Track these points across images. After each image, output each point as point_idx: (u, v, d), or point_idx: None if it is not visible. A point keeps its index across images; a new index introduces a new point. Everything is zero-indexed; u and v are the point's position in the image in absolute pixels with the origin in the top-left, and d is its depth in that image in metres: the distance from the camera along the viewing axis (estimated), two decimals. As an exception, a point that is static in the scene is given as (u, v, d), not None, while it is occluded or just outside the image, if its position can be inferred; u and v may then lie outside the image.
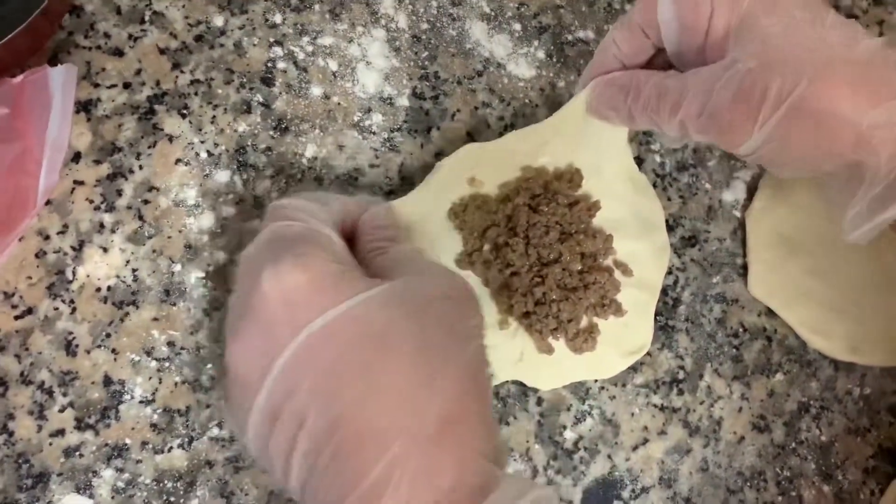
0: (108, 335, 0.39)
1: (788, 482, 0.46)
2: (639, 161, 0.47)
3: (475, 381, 0.31)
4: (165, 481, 0.39)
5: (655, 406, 0.45)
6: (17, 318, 0.38)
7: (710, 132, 0.36)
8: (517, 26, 0.47)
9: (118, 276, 0.40)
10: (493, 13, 0.47)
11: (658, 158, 0.48)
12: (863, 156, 0.33)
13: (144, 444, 0.39)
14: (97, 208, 0.40)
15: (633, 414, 0.45)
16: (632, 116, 0.39)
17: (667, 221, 0.46)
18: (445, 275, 0.34)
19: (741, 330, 0.47)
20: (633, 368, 0.45)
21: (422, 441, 0.28)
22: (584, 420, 0.44)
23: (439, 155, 0.44)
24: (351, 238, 0.36)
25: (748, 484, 0.45)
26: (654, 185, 0.46)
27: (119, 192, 0.40)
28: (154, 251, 0.40)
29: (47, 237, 0.39)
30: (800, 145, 0.35)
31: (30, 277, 0.39)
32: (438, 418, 0.29)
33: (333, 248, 0.33)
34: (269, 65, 0.43)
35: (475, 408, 0.30)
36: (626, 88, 0.39)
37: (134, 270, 0.40)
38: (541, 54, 0.47)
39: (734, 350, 0.47)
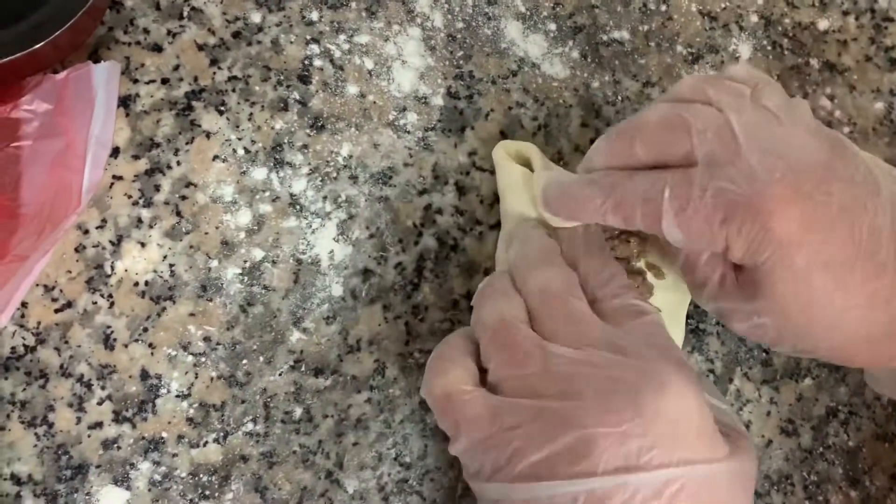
0: (146, 329, 0.40)
1: (815, 487, 0.46)
2: (672, 163, 0.47)
3: None
4: (201, 475, 0.39)
5: (684, 408, 0.45)
6: (56, 311, 0.39)
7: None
8: (552, 26, 0.47)
9: (155, 271, 0.40)
10: (528, 12, 0.47)
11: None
12: None
13: (180, 437, 0.39)
14: (135, 203, 0.40)
15: (661, 416, 0.45)
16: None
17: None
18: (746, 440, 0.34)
19: (771, 334, 0.47)
20: (663, 371, 0.45)
21: None
22: (614, 421, 0.44)
23: (472, 154, 0.45)
24: None
25: (775, 488, 0.46)
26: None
27: (157, 188, 0.41)
28: (191, 247, 0.41)
29: (86, 232, 0.40)
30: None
31: (69, 271, 0.39)
32: None
33: None
34: (306, 62, 0.43)
35: None
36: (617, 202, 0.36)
37: (171, 266, 0.40)
38: (575, 54, 0.47)
39: (764, 354, 0.47)
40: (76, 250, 0.39)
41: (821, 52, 0.51)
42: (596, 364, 0.31)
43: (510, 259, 0.39)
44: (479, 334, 0.35)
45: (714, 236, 0.33)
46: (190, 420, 0.39)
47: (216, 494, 0.39)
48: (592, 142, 0.46)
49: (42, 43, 0.35)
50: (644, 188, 0.35)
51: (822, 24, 0.51)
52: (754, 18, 0.50)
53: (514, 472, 0.31)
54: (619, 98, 0.47)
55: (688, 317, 0.45)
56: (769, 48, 0.50)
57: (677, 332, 0.44)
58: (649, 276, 0.44)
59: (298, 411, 0.40)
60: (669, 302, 0.44)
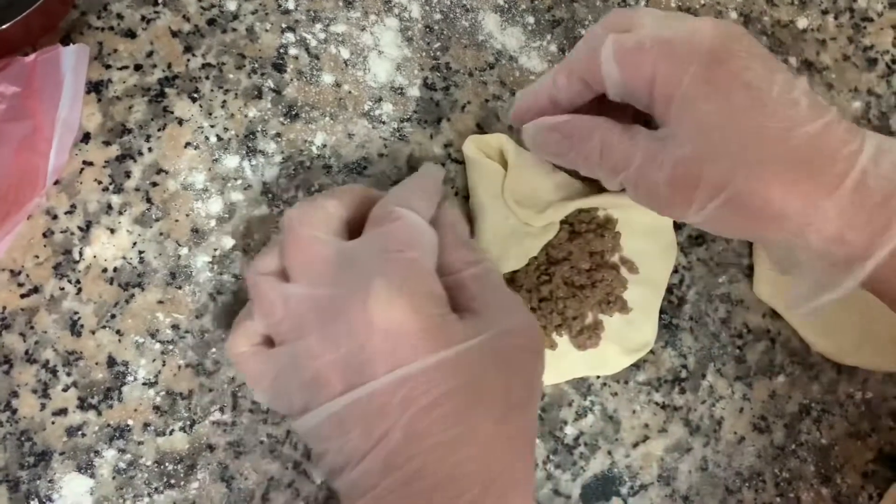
0: (113, 316, 0.39)
1: (787, 483, 0.46)
2: (648, 158, 0.47)
3: (534, 434, 0.36)
4: (166, 463, 0.39)
5: (657, 404, 0.45)
6: (23, 296, 0.38)
7: (648, 204, 0.37)
8: (530, 19, 0.47)
9: (124, 258, 0.40)
10: (506, 5, 0.47)
11: (667, 156, 0.48)
12: (798, 245, 0.34)
13: (146, 425, 0.39)
14: (105, 189, 0.40)
15: (634, 411, 0.45)
16: (574, 164, 0.39)
17: (674, 220, 0.45)
18: (529, 322, 0.36)
19: (745, 331, 0.47)
20: (636, 366, 0.45)
21: (493, 490, 0.32)
22: (586, 416, 0.44)
23: (448, 146, 0.44)
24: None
25: (747, 484, 0.45)
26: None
27: (128, 174, 0.40)
28: (161, 234, 0.40)
29: (55, 217, 0.39)
30: (737, 230, 0.36)
31: (37, 256, 0.39)
32: (510, 473, 0.33)
33: (433, 274, 0.34)
34: (281, 51, 0.43)
35: (531, 461, 0.35)
36: (569, 137, 0.38)
37: (140, 253, 0.40)
38: (553, 48, 0.47)
39: (737, 350, 0.46)
40: (44, 235, 0.39)
41: (800, 50, 0.51)
42: (320, 295, 0.33)
43: None
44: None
45: (642, 60, 0.35)
46: (157, 408, 0.39)
47: (182, 483, 0.39)
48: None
49: (9, 23, 0.35)
50: (584, 43, 0.37)
51: (802, 23, 0.51)
52: (733, 15, 0.50)
53: (294, 410, 0.34)
54: (597, 92, 0.47)
55: (661, 312, 0.45)
56: (748, 45, 0.50)
57: (650, 327, 0.44)
58: (623, 271, 0.44)
59: (267, 401, 0.40)
60: (643, 296, 0.44)
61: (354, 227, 0.36)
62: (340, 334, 0.32)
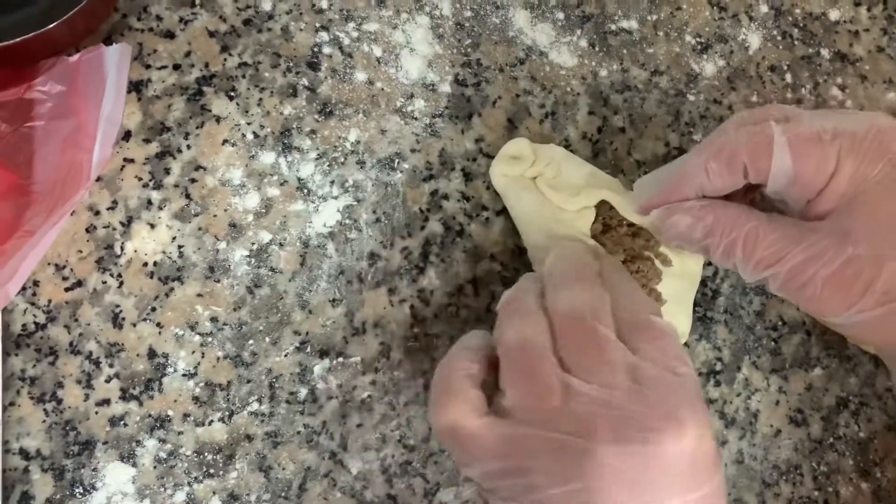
0: (154, 309, 0.40)
1: (825, 477, 0.46)
2: (681, 152, 0.47)
3: None
4: (206, 453, 0.39)
5: (691, 397, 0.45)
6: (67, 290, 0.39)
7: (795, 298, 0.36)
8: (560, 15, 0.47)
9: (164, 252, 0.41)
10: (536, 2, 0.47)
11: (699, 149, 0.48)
12: None
13: (186, 416, 0.39)
14: (146, 186, 0.41)
15: (668, 404, 0.44)
16: (705, 252, 0.38)
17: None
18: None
19: (780, 323, 0.47)
20: (670, 358, 0.45)
21: None
22: (619, 408, 0.44)
23: (479, 141, 0.45)
24: None
25: (784, 478, 0.45)
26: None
27: (167, 171, 0.41)
28: (199, 229, 0.41)
29: (97, 213, 0.40)
30: (892, 338, 0.35)
31: (80, 251, 0.40)
32: None
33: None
34: (315, 49, 0.44)
35: None
36: (708, 229, 0.37)
37: (180, 247, 0.41)
38: (583, 43, 0.47)
39: (773, 343, 0.46)
40: (87, 230, 0.40)
41: (832, 42, 0.50)
42: (614, 405, 0.31)
43: (545, 271, 0.37)
44: (501, 353, 0.34)
45: (825, 153, 0.33)
46: (196, 399, 0.40)
47: (220, 473, 0.39)
48: (600, 130, 0.46)
49: (55, 23, 0.36)
50: (747, 132, 0.35)
51: (834, 15, 0.51)
52: (764, 8, 0.50)
53: (529, 500, 0.31)
54: (628, 87, 0.47)
55: (695, 304, 0.45)
56: (779, 38, 0.50)
57: (684, 320, 0.44)
58: (657, 263, 0.44)
59: (303, 392, 0.41)
60: (677, 288, 0.44)
61: None
62: (636, 454, 0.30)
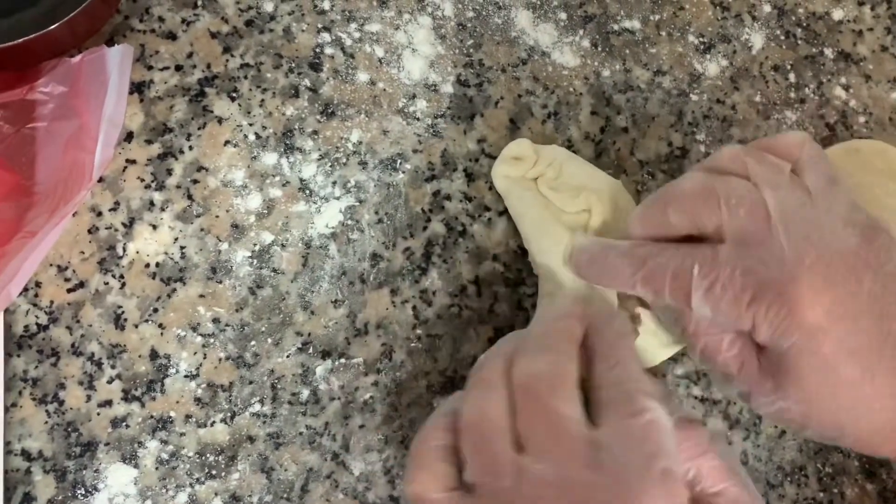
0: (156, 310, 0.40)
1: (830, 479, 0.45)
2: (684, 152, 0.47)
3: None
4: (208, 454, 0.39)
5: (696, 398, 0.45)
6: (69, 291, 0.39)
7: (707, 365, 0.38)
8: (562, 15, 0.47)
9: (166, 253, 0.41)
10: (538, 2, 0.47)
11: (703, 148, 0.48)
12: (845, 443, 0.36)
13: (188, 417, 0.39)
14: (148, 187, 0.41)
15: (672, 405, 0.44)
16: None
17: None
18: None
19: (784, 324, 0.46)
20: (674, 359, 0.44)
21: None
22: (623, 409, 0.44)
23: (482, 141, 0.45)
24: None
25: (789, 479, 0.45)
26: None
27: (169, 172, 0.41)
28: (202, 230, 0.41)
29: (100, 214, 0.40)
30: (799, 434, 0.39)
31: (82, 252, 0.40)
32: None
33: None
34: (317, 50, 0.44)
35: None
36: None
37: (182, 248, 0.41)
38: (586, 43, 0.47)
39: (777, 344, 0.46)
40: (89, 231, 0.40)
41: (835, 41, 0.50)
42: (567, 489, 0.30)
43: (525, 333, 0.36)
44: (461, 426, 0.33)
45: (741, 316, 0.34)
46: (198, 400, 0.40)
47: (223, 474, 0.39)
48: (602, 130, 0.46)
49: (57, 24, 0.36)
50: (675, 263, 0.35)
51: (837, 14, 0.51)
52: (767, 8, 0.50)
53: None
54: (630, 87, 0.47)
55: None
56: (782, 37, 0.50)
57: (662, 335, 0.44)
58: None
59: (305, 393, 0.41)
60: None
61: None
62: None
